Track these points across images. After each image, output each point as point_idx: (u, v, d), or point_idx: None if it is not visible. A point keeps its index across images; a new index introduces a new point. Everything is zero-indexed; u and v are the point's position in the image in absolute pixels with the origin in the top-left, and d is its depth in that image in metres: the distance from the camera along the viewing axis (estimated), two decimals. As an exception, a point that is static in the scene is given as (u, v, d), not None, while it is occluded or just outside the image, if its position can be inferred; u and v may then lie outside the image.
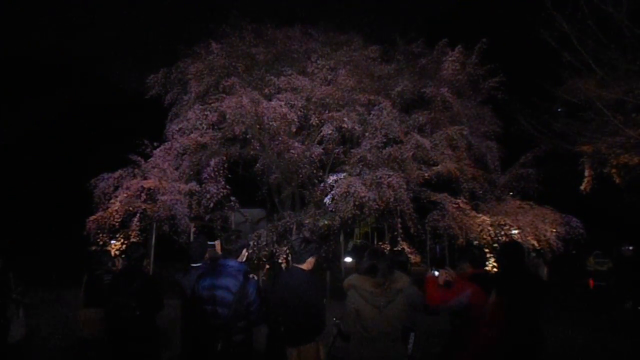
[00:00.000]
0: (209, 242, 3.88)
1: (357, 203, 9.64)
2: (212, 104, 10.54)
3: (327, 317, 2.90)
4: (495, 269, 10.22)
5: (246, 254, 2.92)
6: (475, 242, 10.87)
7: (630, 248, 10.31)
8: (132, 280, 3.39)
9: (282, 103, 10.11)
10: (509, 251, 3.32)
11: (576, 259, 11.81)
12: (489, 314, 2.86)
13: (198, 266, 3.52)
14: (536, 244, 10.34)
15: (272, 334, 2.88)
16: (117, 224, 9.63)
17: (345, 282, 2.84)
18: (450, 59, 11.45)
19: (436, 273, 3.09)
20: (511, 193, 11.90)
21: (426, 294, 2.99)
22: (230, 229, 11.40)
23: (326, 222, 11.21)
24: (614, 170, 10.21)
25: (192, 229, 10.47)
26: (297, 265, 2.90)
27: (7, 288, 4.44)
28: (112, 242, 10.00)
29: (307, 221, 10.55)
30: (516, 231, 10.43)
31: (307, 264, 2.90)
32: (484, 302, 2.86)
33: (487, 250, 11.03)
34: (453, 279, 3.06)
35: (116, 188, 9.95)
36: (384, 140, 10.56)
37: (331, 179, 10.45)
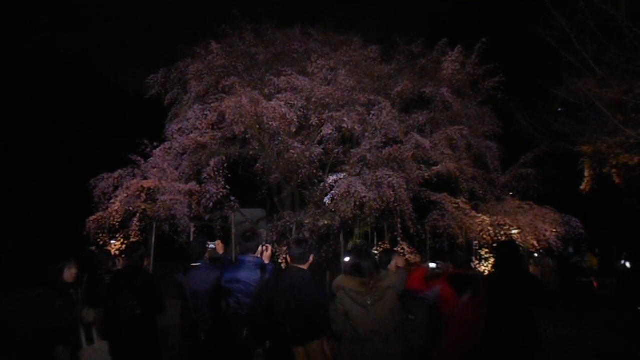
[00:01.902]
0: (209, 242, 3.91)
1: (357, 203, 9.64)
2: (212, 104, 10.54)
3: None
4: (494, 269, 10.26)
5: (262, 249, 3.19)
6: (475, 242, 10.86)
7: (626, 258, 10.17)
8: (132, 279, 3.38)
9: (282, 103, 10.11)
10: (505, 250, 3.33)
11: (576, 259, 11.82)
12: (461, 314, 2.87)
13: (198, 266, 3.52)
14: (536, 244, 10.34)
15: (277, 334, 2.89)
16: (117, 224, 9.62)
17: (333, 284, 2.88)
18: (450, 58, 11.44)
19: (432, 265, 3.20)
20: (511, 193, 11.89)
21: (409, 279, 3.13)
22: (230, 229, 11.42)
23: (326, 222, 11.22)
24: (614, 170, 10.22)
25: (192, 229, 10.47)
26: (298, 265, 2.90)
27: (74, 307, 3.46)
28: (112, 242, 10.00)
29: (307, 221, 10.55)
30: (516, 231, 10.43)
31: (307, 263, 2.92)
32: (452, 301, 2.88)
33: (486, 250, 11.05)
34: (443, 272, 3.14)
35: (116, 188, 9.94)
36: (384, 140, 10.55)
37: (331, 179, 10.44)
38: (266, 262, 3.15)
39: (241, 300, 2.92)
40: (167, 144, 10.54)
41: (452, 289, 2.92)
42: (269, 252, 3.24)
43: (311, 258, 2.93)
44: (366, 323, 2.69)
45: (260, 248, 3.17)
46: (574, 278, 11.11)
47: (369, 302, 2.70)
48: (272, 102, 10.08)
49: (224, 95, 10.47)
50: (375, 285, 2.75)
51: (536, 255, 10.50)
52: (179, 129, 10.77)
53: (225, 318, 3.00)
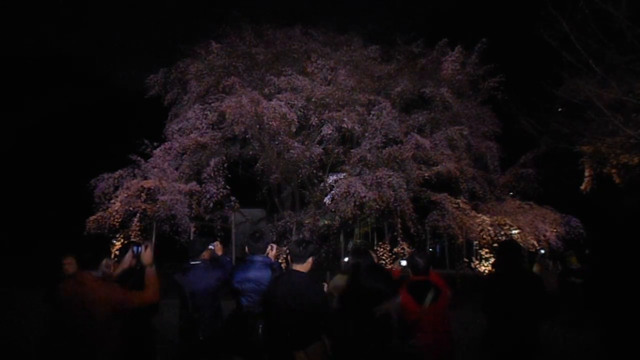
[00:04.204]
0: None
1: (357, 203, 9.65)
2: (212, 104, 10.55)
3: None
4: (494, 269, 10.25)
5: (268, 249, 3.24)
6: (475, 242, 10.85)
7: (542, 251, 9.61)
8: (123, 280, 3.33)
9: (282, 103, 10.12)
10: (505, 250, 3.31)
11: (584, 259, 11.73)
12: (423, 321, 2.86)
13: (197, 264, 3.49)
14: (536, 244, 10.35)
15: (273, 337, 2.87)
16: (117, 224, 9.64)
17: (330, 284, 2.87)
18: (450, 58, 11.45)
19: (403, 263, 3.19)
20: (511, 193, 11.91)
21: None
22: (230, 229, 11.42)
23: (326, 222, 11.22)
24: (614, 170, 10.22)
25: (192, 229, 10.47)
26: (295, 267, 2.89)
27: None
28: (113, 242, 10.00)
29: (307, 221, 10.56)
30: (516, 231, 10.44)
31: (307, 265, 2.90)
32: (413, 310, 2.88)
33: (486, 250, 11.04)
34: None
35: (116, 188, 9.96)
36: (384, 140, 10.57)
37: (331, 179, 10.45)
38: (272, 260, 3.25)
39: (254, 299, 3.02)
40: (167, 144, 10.54)
41: (411, 297, 2.91)
42: (274, 251, 3.31)
43: (311, 260, 2.91)
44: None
45: (268, 248, 3.26)
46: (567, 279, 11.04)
47: None
48: (272, 102, 10.09)
49: (224, 95, 10.47)
50: None
51: (542, 251, 10.43)
52: (179, 129, 10.78)
53: (241, 316, 3.07)
